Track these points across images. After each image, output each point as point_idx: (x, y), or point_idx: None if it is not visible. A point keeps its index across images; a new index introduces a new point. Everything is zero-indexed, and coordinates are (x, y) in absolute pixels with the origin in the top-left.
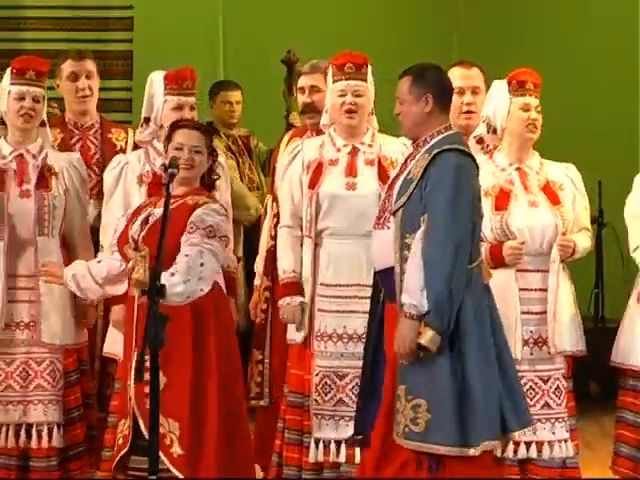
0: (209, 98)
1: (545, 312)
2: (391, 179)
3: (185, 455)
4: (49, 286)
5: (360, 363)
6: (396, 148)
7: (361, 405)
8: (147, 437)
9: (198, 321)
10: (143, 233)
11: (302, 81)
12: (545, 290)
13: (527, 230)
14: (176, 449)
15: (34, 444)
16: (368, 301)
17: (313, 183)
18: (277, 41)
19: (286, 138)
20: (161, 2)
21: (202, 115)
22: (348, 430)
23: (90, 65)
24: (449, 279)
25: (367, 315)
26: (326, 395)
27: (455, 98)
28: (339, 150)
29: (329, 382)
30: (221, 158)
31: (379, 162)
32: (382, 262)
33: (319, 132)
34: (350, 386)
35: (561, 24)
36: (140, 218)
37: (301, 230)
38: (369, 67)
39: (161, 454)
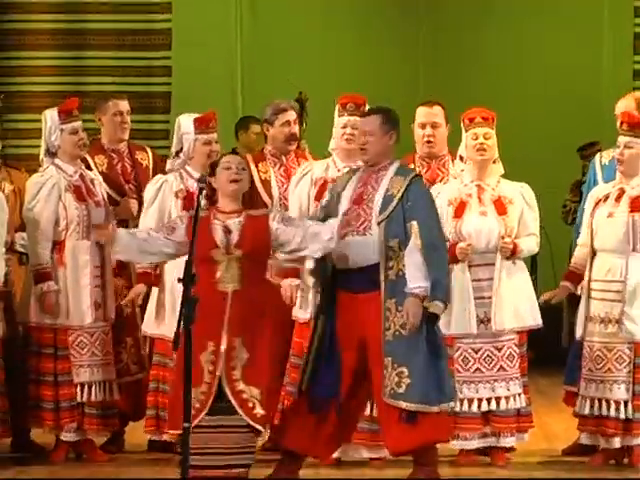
0: (235, 131)
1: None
2: (357, 195)
3: (265, 414)
4: None
5: None
6: None
7: (314, 371)
8: (230, 400)
9: (273, 309)
10: (236, 239)
11: (291, 115)
12: (492, 279)
13: (475, 234)
14: (258, 410)
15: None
16: None
17: (319, 196)
18: (286, 85)
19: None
20: (193, 53)
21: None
22: None
23: (126, 104)
24: (447, 262)
25: None
26: None
27: (419, 131)
28: (339, 170)
29: None
30: None
31: None
32: (363, 261)
33: (277, 156)
34: None
35: (516, 68)
36: (218, 227)
37: None
38: (367, 106)
39: (243, 414)
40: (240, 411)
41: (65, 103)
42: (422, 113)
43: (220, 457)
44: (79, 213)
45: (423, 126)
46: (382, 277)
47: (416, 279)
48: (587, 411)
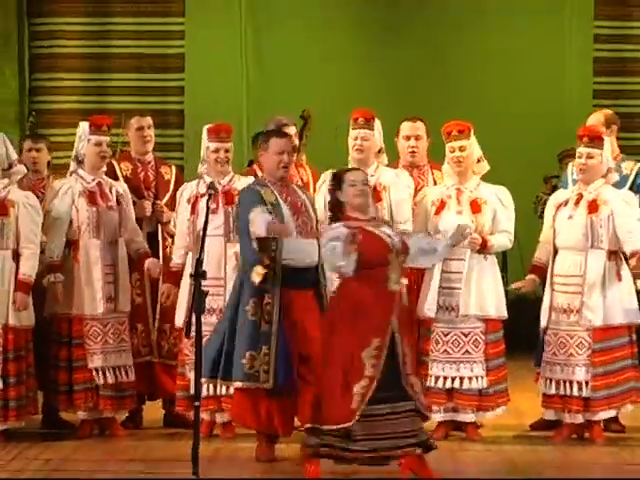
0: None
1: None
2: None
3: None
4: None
5: None
6: (389, 176)
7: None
8: (405, 388)
9: None
10: (399, 244)
11: (291, 129)
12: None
13: (450, 230)
14: (423, 398)
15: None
16: None
17: None
18: (288, 104)
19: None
20: (203, 75)
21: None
22: None
23: (150, 121)
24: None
25: None
26: None
27: (404, 142)
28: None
29: None
30: None
31: (375, 187)
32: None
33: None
34: None
35: (487, 88)
36: (381, 233)
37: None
38: (376, 120)
39: (416, 401)
40: (415, 398)
41: (96, 118)
42: (407, 127)
43: (393, 441)
44: (89, 215)
45: (408, 138)
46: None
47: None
48: (553, 391)
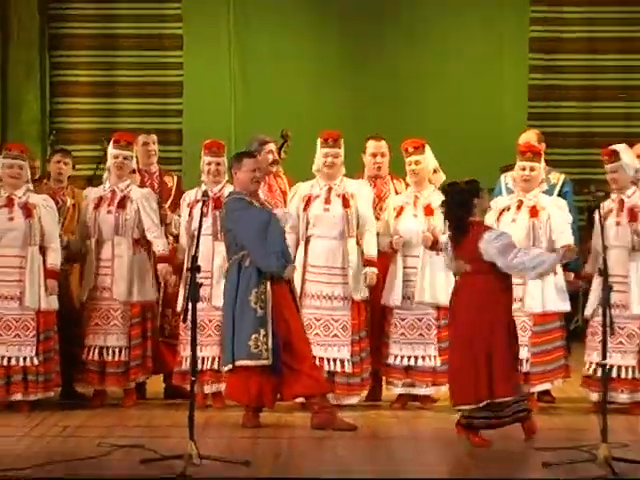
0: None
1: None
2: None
3: None
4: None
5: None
6: (353, 186)
7: None
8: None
9: None
10: None
11: (271, 146)
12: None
13: (407, 231)
14: None
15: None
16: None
17: (305, 208)
18: (270, 124)
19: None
20: (198, 99)
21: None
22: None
23: (154, 138)
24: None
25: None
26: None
27: (370, 158)
28: (321, 188)
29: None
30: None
31: (343, 196)
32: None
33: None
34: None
35: (440, 111)
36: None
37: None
38: (342, 140)
39: None
40: None
41: (116, 135)
42: (372, 146)
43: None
44: (89, 216)
45: (374, 155)
46: None
47: None
48: None
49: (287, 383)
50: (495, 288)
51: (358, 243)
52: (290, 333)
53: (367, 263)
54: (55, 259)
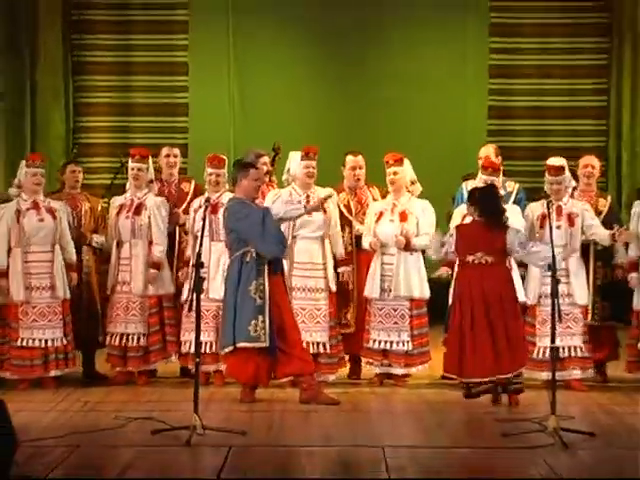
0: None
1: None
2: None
3: None
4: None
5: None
6: (324, 193)
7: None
8: None
9: None
10: None
11: (265, 158)
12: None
13: (384, 234)
14: None
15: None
16: (315, 269)
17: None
18: (263, 139)
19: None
20: (202, 118)
21: None
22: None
23: (175, 152)
24: None
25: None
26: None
27: (350, 172)
28: (300, 195)
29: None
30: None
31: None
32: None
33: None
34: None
35: (412, 131)
36: None
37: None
38: (317, 154)
39: None
40: None
41: (133, 150)
42: (351, 160)
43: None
44: (112, 221)
45: (353, 168)
46: None
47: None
48: None
49: (280, 364)
50: (511, 277)
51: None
52: (283, 320)
53: (341, 262)
54: (73, 255)
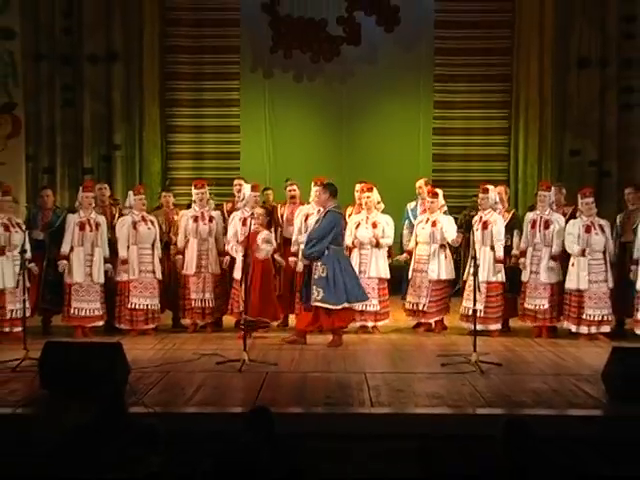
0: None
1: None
2: (305, 218)
3: None
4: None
5: None
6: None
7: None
8: None
9: None
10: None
11: (292, 185)
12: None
13: (361, 236)
14: None
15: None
16: None
17: (306, 220)
18: (288, 172)
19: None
20: (248, 153)
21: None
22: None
23: (237, 182)
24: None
25: None
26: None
27: (358, 194)
28: (314, 208)
29: None
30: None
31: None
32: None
33: (283, 203)
34: None
35: (384, 166)
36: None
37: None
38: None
39: None
40: None
41: (195, 181)
42: (359, 188)
43: None
44: (190, 227)
45: (362, 191)
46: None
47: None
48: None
49: (325, 320)
50: None
51: None
52: None
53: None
54: (159, 249)
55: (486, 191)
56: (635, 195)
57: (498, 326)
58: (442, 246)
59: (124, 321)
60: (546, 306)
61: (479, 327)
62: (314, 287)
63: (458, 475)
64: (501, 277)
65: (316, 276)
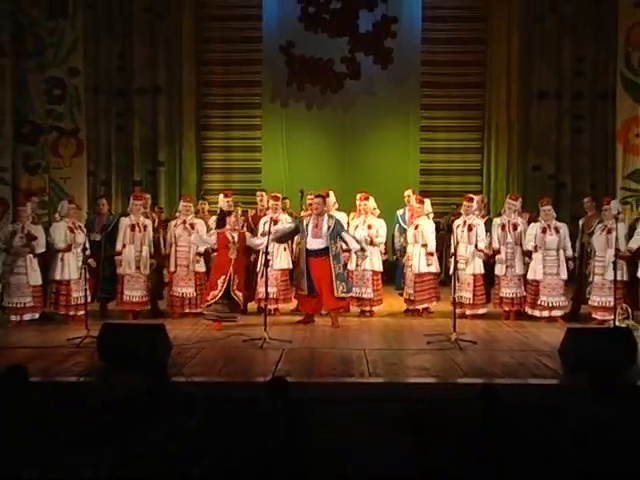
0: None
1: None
2: (315, 225)
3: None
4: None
5: None
6: (338, 216)
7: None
8: None
9: None
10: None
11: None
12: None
13: (359, 237)
14: None
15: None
16: None
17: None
18: (301, 184)
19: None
20: (268, 168)
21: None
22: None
23: (259, 193)
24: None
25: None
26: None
27: (359, 202)
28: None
29: None
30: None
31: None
32: (317, 246)
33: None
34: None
35: (378, 179)
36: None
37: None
38: (328, 194)
39: None
40: None
41: (223, 192)
42: (359, 197)
43: None
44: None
45: (361, 199)
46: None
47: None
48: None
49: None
50: None
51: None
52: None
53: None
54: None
55: (471, 200)
56: (591, 204)
57: (485, 310)
58: (424, 245)
59: (169, 306)
60: (524, 294)
61: (470, 312)
62: (337, 282)
63: (439, 428)
64: (481, 269)
65: (335, 272)
